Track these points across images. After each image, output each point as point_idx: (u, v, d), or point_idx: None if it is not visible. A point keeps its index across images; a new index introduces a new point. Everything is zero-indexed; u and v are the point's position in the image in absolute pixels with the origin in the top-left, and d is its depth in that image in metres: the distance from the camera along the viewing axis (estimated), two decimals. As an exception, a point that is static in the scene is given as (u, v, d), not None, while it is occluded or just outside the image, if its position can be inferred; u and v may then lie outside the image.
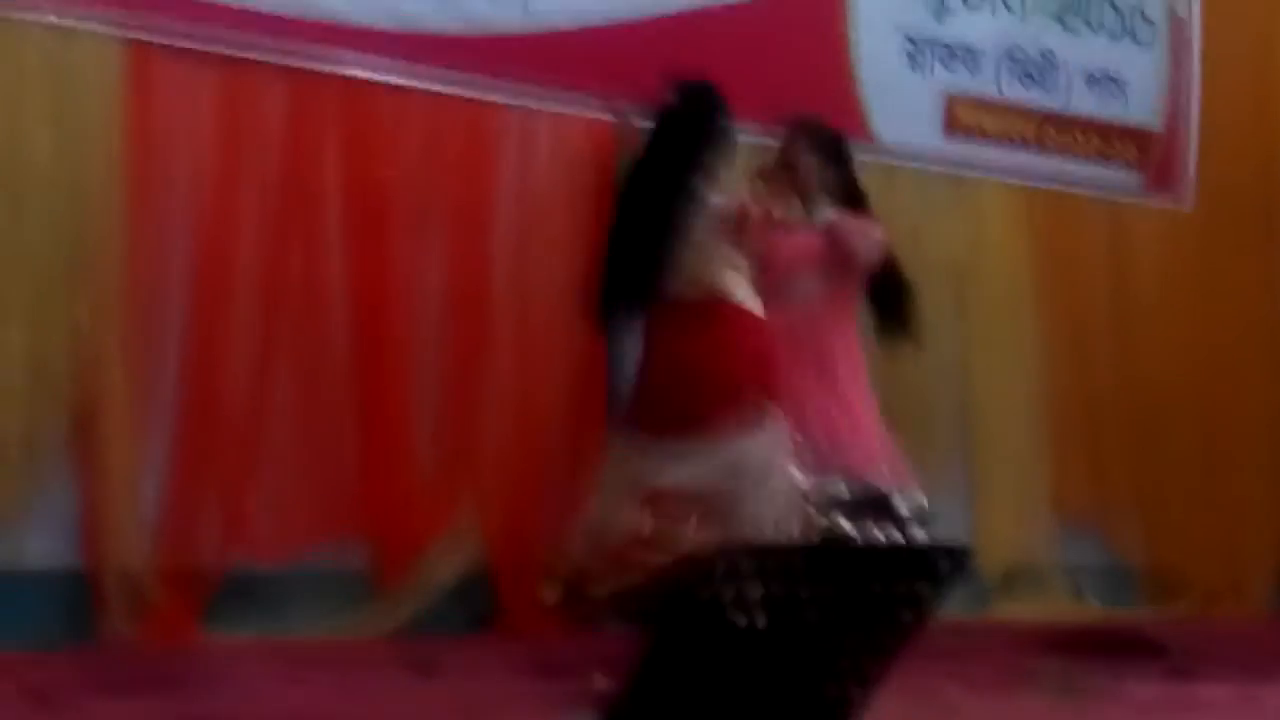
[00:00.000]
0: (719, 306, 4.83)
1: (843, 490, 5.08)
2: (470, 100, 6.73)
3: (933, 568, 4.18)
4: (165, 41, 6.08)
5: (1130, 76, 8.63)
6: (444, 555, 6.50)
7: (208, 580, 6.10)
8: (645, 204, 4.99)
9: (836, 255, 5.58)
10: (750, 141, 7.03)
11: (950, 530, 7.08)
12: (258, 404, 6.27)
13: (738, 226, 5.11)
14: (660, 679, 3.47)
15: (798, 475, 4.91)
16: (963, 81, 8.03)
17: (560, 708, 4.61)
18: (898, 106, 7.66)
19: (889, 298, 5.76)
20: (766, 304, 4.99)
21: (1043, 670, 5.84)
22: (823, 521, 4.96)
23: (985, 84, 8.13)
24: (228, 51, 6.20)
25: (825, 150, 6.00)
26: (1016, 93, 8.26)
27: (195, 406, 6.15)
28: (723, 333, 4.79)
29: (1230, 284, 8.76)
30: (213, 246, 6.21)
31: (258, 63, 6.26)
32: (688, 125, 5.26)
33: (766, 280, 5.13)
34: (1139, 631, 6.86)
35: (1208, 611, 8.39)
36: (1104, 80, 8.55)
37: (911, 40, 7.89)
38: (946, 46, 7.99)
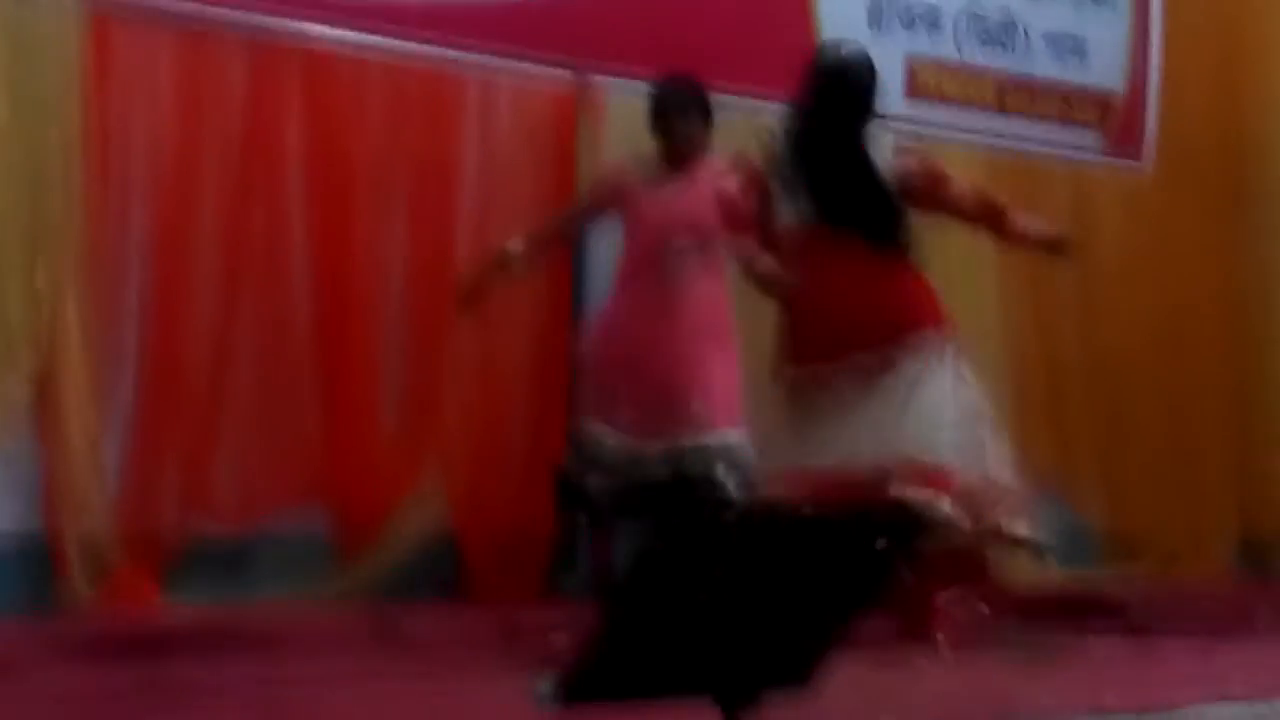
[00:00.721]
0: None
1: None
2: (431, 68, 6.70)
3: (898, 527, 4.18)
4: (125, 7, 6.03)
5: (1091, 39, 8.63)
6: (408, 520, 6.51)
7: (169, 546, 6.09)
8: None
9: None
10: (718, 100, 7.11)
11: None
12: (219, 370, 6.25)
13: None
14: (625, 632, 3.46)
15: None
16: (923, 43, 8.03)
17: (524, 671, 4.60)
18: (859, 68, 7.66)
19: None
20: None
21: (1005, 631, 5.85)
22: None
23: (946, 46, 8.12)
24: (188, 18, 6.15)
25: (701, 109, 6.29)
26: (977, 55, 8.25)
27: (156, 373, 6.13)
28: None
29: (1192, 248, 8.79)
30: (173, 214, 6.17)
31: (218, 30, 6.22)
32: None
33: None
34: (1100, 592, 6.89)
35: (1168, 573, 8.42)
36: (1065, 42, 8.54)
37: (874, 1, 7.88)
38: (908, 8, 7.99)
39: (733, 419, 5.82)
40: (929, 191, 5.88)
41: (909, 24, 8.02)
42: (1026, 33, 8.42)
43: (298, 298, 6.44)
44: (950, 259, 7.95)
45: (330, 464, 6.44)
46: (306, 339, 6.43)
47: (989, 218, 5.98)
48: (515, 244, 6.04)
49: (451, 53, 6.71)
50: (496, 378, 6.66)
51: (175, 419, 6.14)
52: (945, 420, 5.70)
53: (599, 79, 6.99)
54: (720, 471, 5.68)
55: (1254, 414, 9.00)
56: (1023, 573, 7.65)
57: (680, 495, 5.66)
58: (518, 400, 6.73)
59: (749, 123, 7.17)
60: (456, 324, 6.52)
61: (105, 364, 6.03)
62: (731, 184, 5.87)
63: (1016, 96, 8.41)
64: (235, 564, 6.15)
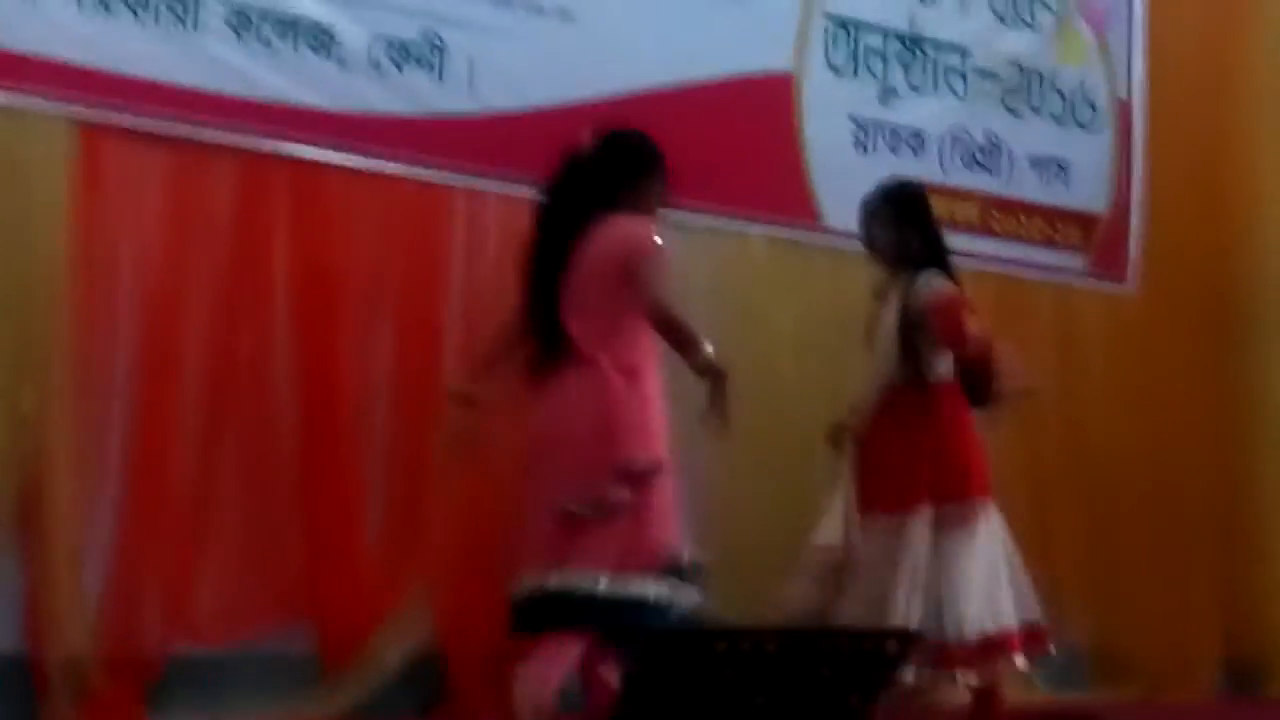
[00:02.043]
0: None
1: None
2: (418, 183, 6.71)
3: (881, 651, 4.16)
4: (114, 123, 6.05)
5: (1075, 161, 8.70)
6: (392, 639, 6.44)
7: (152, 666, 6.02)
8: None
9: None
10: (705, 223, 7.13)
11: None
12: (203, 488, 6.21)
13: None
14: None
15: None
16: (909, 165, 8.06)
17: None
18: (845, 190, 7.64)
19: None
20: None
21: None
22: None
23: (931, 168, 8.17)
24: (177, 133, 6.17)
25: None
26: (962, 177, 8.31)
27: (140, 492, 6.09)
28: None
29: (1176, 368, 8.81)
30: (160, 330, 6.16)
31: (206, 144, 6.23)
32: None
33: None
34: (1088, 714, 6.85)
35: (1155, 695, 8.40)
36: (1049, 164, 8.61)
37: (859, 123, 7.94)
38: (893, 130, 8.05)
39: None
40: (943, 330, 6.22)
41: (894, 147, 8.08)
42: (1011, 155, 8.48)
43: (283, 414, 6.41)
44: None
45: (315, 582, 6.39)
46: (291, 456, 6.39)
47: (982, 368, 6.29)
48: (457, 385, 5.74)
49: (438, 167, 6.75)
50: (482, 494, 6.63)
51: (159, 538, 6.09)
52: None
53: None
54: None
55: (1239, 535, 9.00)
56: (1011, 693, 7.64)
57: None
58: (503, 517, 6.69)
59: (737, 246, 7.23)
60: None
61: (89, 483, 5.98)
62: None
63: (1001, 218, 8.46)
64: (219, 683, 6.08)
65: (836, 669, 3.88)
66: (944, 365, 6.38)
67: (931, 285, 6.32)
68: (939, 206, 8.02)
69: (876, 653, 4.00)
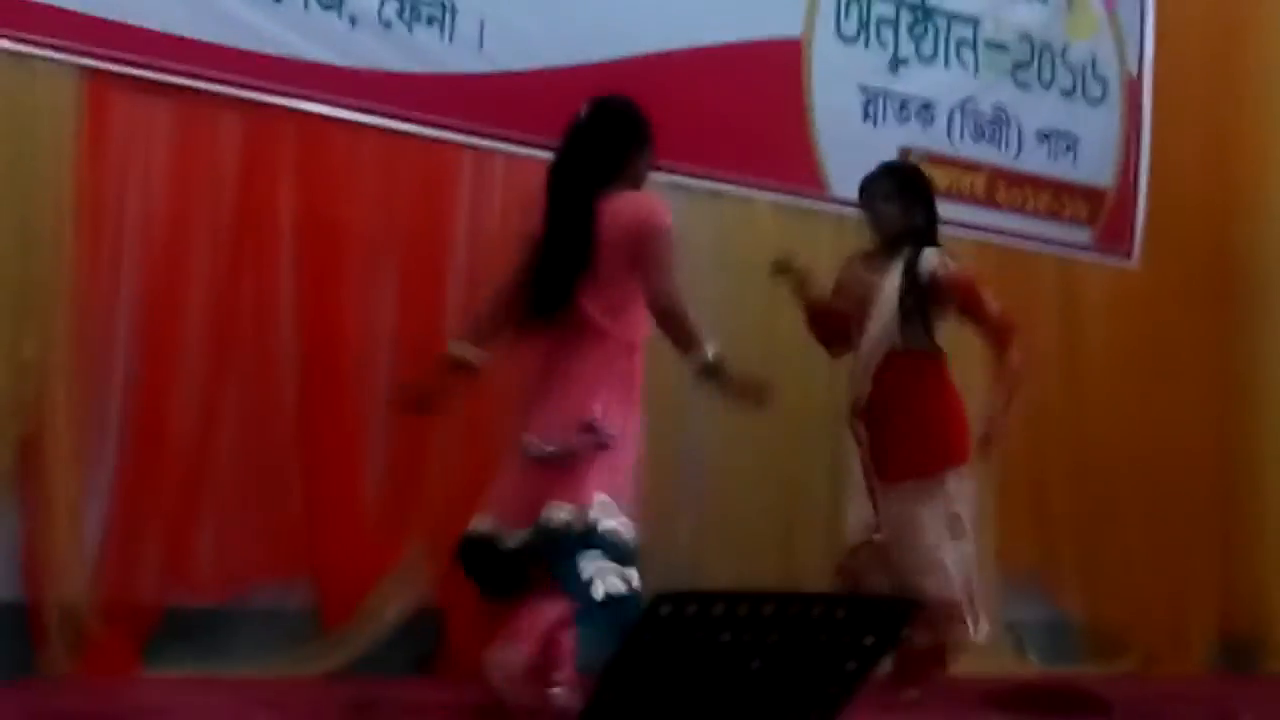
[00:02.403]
0: None
1: None
2: (425, 140, 6.70)
3: (878, 618, 4.16)
4: (121, 71, 6.04)
5: (1082, 134, 8.69)
6: (391, 594, 6.46)
7: (149, 616, 6.04)
8: None
9: None
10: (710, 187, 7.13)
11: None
12: (204, 440, 6.22)
13: None
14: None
15: None
16: (916, 135, 8.07)
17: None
18: (852, 159, 7.64)
19: None
20: None
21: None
22: None
23: (938, 138, 8.17)
24: (183, 83, 6.16)
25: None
26: (969, 148, 8.30)
27: (140, 443, 6.10)
28: None
29: (1179, 344, 8.82)
30: (163, 281, 6.17)
31: (213, 96, 6.21)
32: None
33: None
34: (1082, 688, 6.86)
35: (1150, 669, 8.41)
36: (1056, 137, 8.60)
37: (868, 92, 7.93)
38: (901, 100, 8.03)
39: None
40: (960, 301, 6.51)
41: (903, 117, 8.07)
42: (1019, 128, 8.47)
43: (285, 369, 6.41)
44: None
45: (314, 537, 6.40)
46: (292, 411, 6.40)
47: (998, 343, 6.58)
48: (460, 347, 5.68)
49: (445, 125, 6.73)
50: (482, 452, 6.63)
51: (158, 489, 6.10)
52: None
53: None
54: None
55: (1237, 512, 9.01)
56: (1005, 668, 7.66)
57: None
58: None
59: (742, 211, 7.22)
60: (443, 398, 6.55)
61: (89, 433, 5.99)
62: None
63: (1008, 190, 8.45)
64: (216, 635, 6.10)
65: (833, 635, 3.88)
66: (941, 336, 6.57)
67: (947, 261, 6.54)
68: (946, 178, 8.06)
69: (874, 619, 4.00)
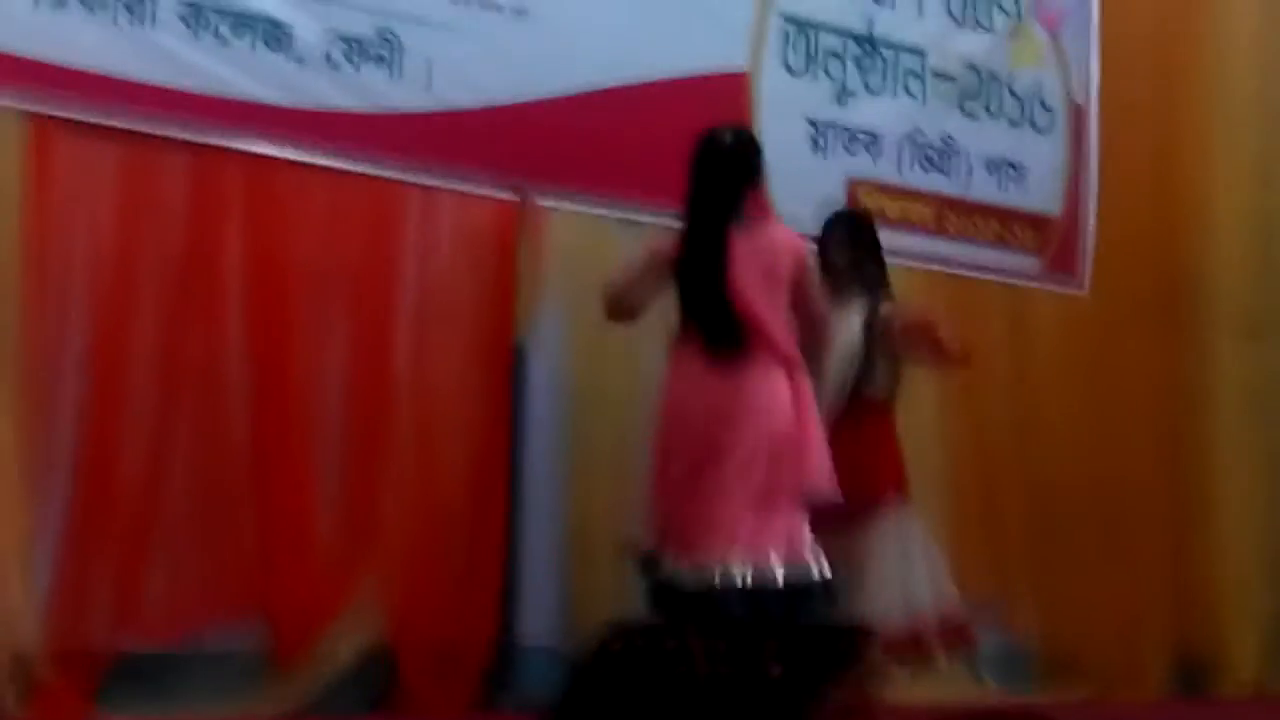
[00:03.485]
0: None
1: None
2: (372, 178, 6.70)
3: (830, 647, 4.18)
4: (66, 115, 6.03)
5: (1029, 163, 8.75)
6: (343, 634, 6.43)
7: (100, 661, 6.00)
8: None
9: None
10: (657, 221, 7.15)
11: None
12: (154, 482, 6.19)
13: None
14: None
15: None
16: (864, 166, 8.10)
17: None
18: (800, 190, 7.70)
19: None
20: None
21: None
22: None
23: (886, 168, 8.21)
24: (129, 126, 6.15)
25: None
26: (917, 178, 8.34)
27: (90, 485, 6.07)
28: None
29: (1128, 369, 8.86)
30: (111, 323, 6.14)
31: (159, 138, 6.21)
32: None
33: None
34: (1037, 713, 6.88)
35: (1104, 695, 8.43)
36: (1003, 166, 8.65)
37: (814, 124, 7.96)
38: (849, 131, 8.07)
39: None
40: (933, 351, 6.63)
41: (850, 147, 8.10)
42: (966, 157, 8.51)
43: (234, 409, 6.39)
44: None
45: (265, 578, 6.37)
46: (243, 451, 6.37)
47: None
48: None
49: (392, 163, 6.74)
50: (434, 490, 6.64)
51: (108, 532, 6.06)
52: None
53: (540, 196, 7.03)
54: None
55: (1189, 537, 9.05)
56: (961, 693, 7.67)
57: None
58: (455, 512, 6.69)
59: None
60: (394, 436, 6.54)
61: (38, 476, 5.95)
62: None
63: (955, 219, 8.49)
64: (168, 679, 6.05)
65: (788, 666, 3.90)
66: (889, 380, 6.71)
67: (906, 308, 6.74)
68: (895, 208, 8.09)
69: (827, 649, 4.01)
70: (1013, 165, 8.69)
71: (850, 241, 6.79)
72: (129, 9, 6.15)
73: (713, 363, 5.61)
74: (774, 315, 5.70)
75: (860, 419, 6.54)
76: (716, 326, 5.64)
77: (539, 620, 6.98)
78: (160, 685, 6.03)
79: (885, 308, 6.64)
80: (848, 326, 6.59)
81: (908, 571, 6.52)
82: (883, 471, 6.55)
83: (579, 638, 6.53)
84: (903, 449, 6.73)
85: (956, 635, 6.57)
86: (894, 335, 6.58)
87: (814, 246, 6.74)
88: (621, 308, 5.92)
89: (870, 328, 6.60)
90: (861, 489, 6.36)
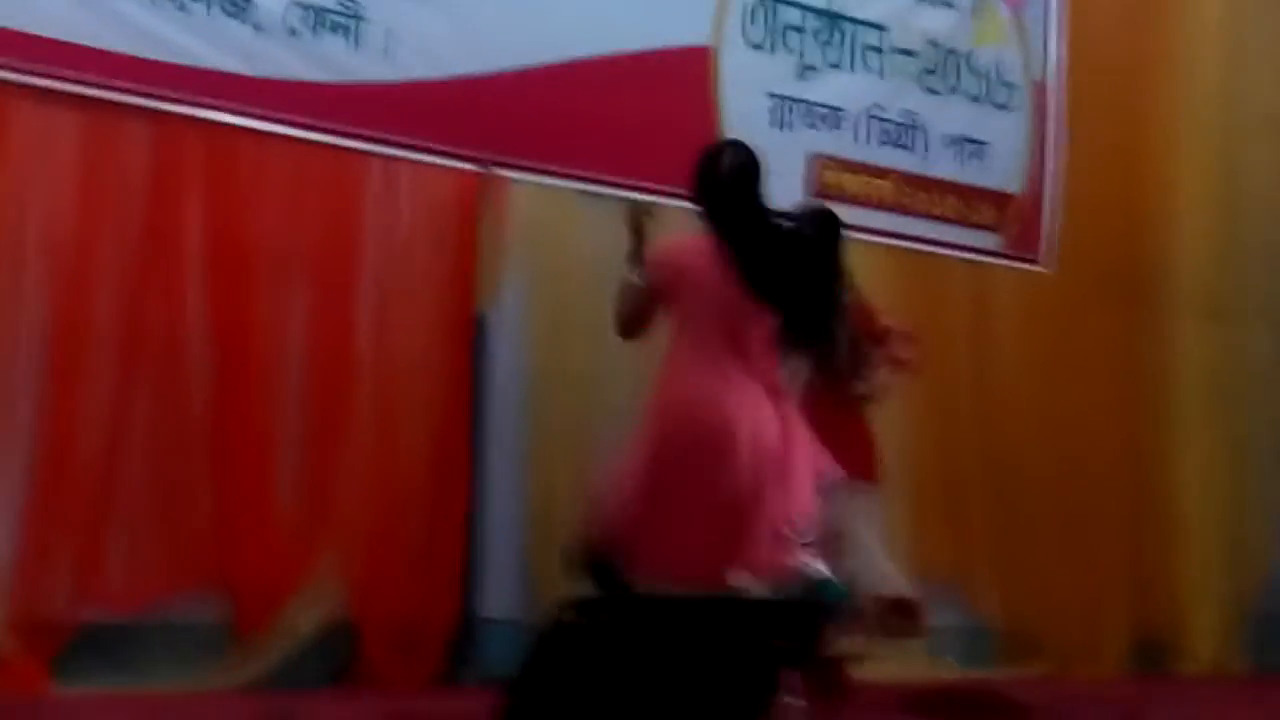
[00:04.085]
0: None
1: None
2: (334, 149, 6.66)
3: (798, 622, 4.17)
4: (24, 81, 5.98)
5: (991, 139, 8.74)
6: (304, 607, 6.41)
7: (60, 632, 5.97)
8: None
9: None
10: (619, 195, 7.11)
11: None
12: (113, 453, 6.16)
13: None
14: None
15: None
16: (826, 141, 8.09)
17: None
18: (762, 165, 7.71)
19: None
20: None
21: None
22: None
23: (848, 144, 8.19)
24: (88, 93, 6.10)
25: None
26: (878, 153, 8.32)
27: (49, 456, 6.04)
28: None
29: (1088, 347, 8.87)
30: (70, 293, 6.11)
31: (118, 105, 6.17)
32: None
33: None
34: (999, 692, 6.89)
35: (1064, 672, 8.45)
36: (965, 143, 8.64)
37: (776, 98, 7.94)
38: (810, 106, 8.05)
39: None
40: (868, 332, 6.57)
41: (812, 123, 8.08)
42: (927, 134, 8.51)
43: (194, 381, 6.36)
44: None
45: (226, 550, 6.35)
46: (203, 422, 6.34)
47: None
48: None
49: (353, 134, 6.69)
50: (395, 464, 6.61)
51: (68, 505, 6.04)
52: None
53: (501, 169, 7.01)
54: None
55: (1149, 514, 9.07)
56: (924, 672, 7.68)
57: None
58: (416, 487, 6.67)
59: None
60: (354, 410, 6.51)
61: (-3, 446, 5.94)
62: None
63: (917, 196, 8.48)
64: (128, 651, 6.03)
65: (751, 638, 3.88)
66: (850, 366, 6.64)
67: (865, 302, 6.68)
68: (855, 183, 8.09)
69: (794, 623, 4.00)
70: (974, 142, 8.68)
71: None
72: (88, -25, 6.10)
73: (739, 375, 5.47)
74: None
75: (821, 405, 6.55)
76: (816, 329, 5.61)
77: (500, 595, 6.97)
78: (120, 657, 6.01)
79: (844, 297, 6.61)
80: None
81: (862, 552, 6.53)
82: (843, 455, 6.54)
83: (541, 612, 6.54)
84: (871, 434, 6.71)
85: (906, 617, 6.54)
86: (853, 328, 6.56)
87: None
88: (633, 333, 5.77)
89: None
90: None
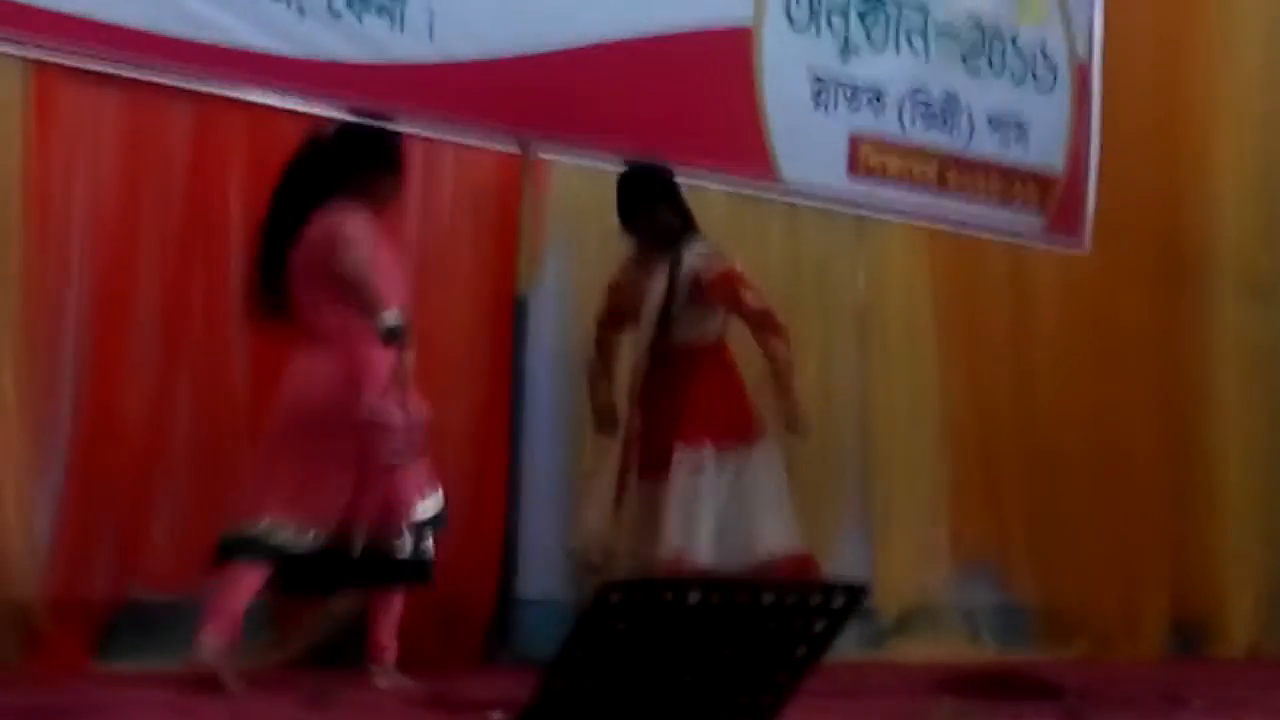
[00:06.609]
0: None
1: None
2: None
3: (829, 603, 4.17)
4: (70, 64, 6.00)
5: (1032, 119, 8.73)
6: (345, 588, 6.43)
7: (102, 610, 6.02)
8: None
9: None
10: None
11: (850, 568, 7.16)
12: (156, 432, 6.20)
13: None
14: (554, 712, 3.44)
15: None
16: (867, 122, 8.08)
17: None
18: (803, 146, 7.72)
19: None
20: None
21: (937, 710, 5.84)
22: None
23: (889, 125, 8.19)
24: (131, 75, 6.13)
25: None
26: (920, 134, 8.32)
27: (92, 435, 6.07)
28: None
29: (1129, 328, 8.86)
30: (114, 272, 6.14)
31: (162, 87, 6.19)
32: None
33: None
34: (1034, 672, 6.88)
35: (1102, 653, 8.45)
36: (1006, 123, 8.63)
37: (818, 79, 7.92)
38: (852, 86, 8.04)
39: None
40: (724, 295, 6.68)
41: (853, 102, 8.07)
42: (970, 114, 8.48)
43: (237, 359, 6.37)
44: (890, 339, 8.03)
45: (267, 530, 6.37)
46: (244, 401, 6.35)
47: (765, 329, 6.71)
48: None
49: (395, 115, 6.69)
50: (436, 445, 6.61)
51: (110, 481, 6.08)
52: None
53: (542, 149, 7.01)
54: None
55: (1188, 495, 9.06)
56: (959, 652, 7.69)
57: None
58: (457, 468, 6.67)
59: (693, 199, 7.20)
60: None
61: (40, 425, 5.96)
62: None
63: (958, 175, 8.47)
64: (169, 630, 6.04)
65: (782, 622, 3.87)
66: (712, 328, 6.78)
67: (709, 257, 6.73)
68: (898, 164, 8.08)
69: (824, 605, 3.99)
70: (1016, 122, 8.67)
71: (653, 198, 6.77)
72: (134, -42, 6.12)
73: None
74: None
75: (675, 367, 6.66)
76: None
77: (541, 575, 7.00)
78: (161, 635, 6.03)
79: (688, 262, 6.69)
80: (657, 283, 6.69)
81: (735, 513, 6.60)
82: (696, 416, 6.63)
83: (582, 592, 6.57)
84: (736, 391, 6.79)
85: (801, 574, 6.54)
86: (695, 289, 6.67)
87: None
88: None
89: (673, 281, 6.65)
90: (676, 434, 6.57)
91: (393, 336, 5.53)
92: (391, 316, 5.51)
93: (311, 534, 5.61)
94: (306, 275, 5.73)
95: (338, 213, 5.73)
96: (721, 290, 6.68)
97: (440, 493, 5.92)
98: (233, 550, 5.60)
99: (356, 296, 5.59)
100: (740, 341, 6.86)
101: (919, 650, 7.76)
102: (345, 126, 6.09)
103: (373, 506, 5.69)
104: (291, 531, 5.59)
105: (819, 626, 3.78)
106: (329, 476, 5.63)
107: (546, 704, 3.39)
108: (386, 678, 5.86)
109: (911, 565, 8.14)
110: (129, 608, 6.08)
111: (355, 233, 5.68)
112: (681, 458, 6.55)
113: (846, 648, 6.09)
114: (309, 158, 5.89)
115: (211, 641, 5.49)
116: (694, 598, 3.63)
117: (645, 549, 6.51)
